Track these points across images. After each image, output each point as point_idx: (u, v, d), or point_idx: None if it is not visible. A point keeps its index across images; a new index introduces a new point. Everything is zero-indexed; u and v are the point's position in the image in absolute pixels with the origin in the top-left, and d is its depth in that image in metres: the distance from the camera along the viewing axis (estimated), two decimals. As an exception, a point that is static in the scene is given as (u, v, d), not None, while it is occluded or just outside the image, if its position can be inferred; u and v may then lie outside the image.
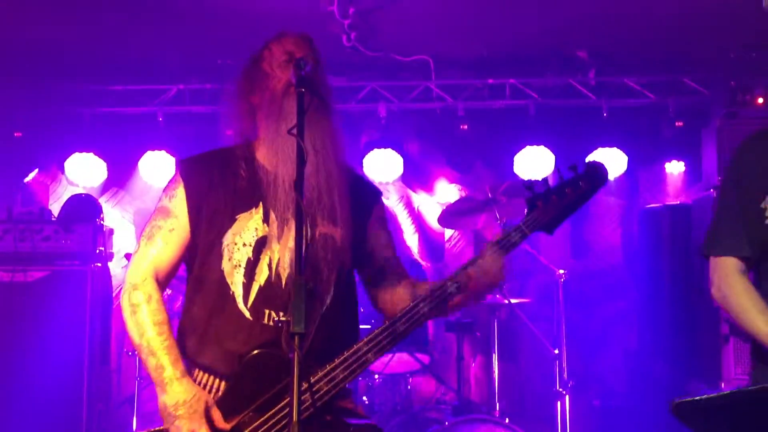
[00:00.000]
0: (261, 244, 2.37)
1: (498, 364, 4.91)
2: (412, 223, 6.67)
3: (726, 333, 4.87)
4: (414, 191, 6.73)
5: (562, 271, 5.16)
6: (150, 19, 5.37)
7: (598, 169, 2.43)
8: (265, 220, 2.39)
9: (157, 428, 2.34)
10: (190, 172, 2.48)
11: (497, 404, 4.82)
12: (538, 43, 5.90)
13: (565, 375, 4.97)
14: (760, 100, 5.39)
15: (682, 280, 5.51)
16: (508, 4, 5.25)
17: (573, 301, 5.45)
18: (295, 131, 2.16)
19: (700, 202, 5.44)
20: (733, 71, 5.63)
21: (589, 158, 5.95)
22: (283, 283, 2.34)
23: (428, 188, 6.72)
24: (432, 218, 6.51)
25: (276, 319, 2.31)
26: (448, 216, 5.58)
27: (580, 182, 2.41)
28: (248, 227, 2.39)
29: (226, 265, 2.37)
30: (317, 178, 2.34)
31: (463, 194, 6.46)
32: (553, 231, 2.41)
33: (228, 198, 2.42)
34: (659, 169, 6.30)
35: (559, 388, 4.95)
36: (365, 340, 2.31)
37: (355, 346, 2.29)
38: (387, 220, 2.67)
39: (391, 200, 6.64)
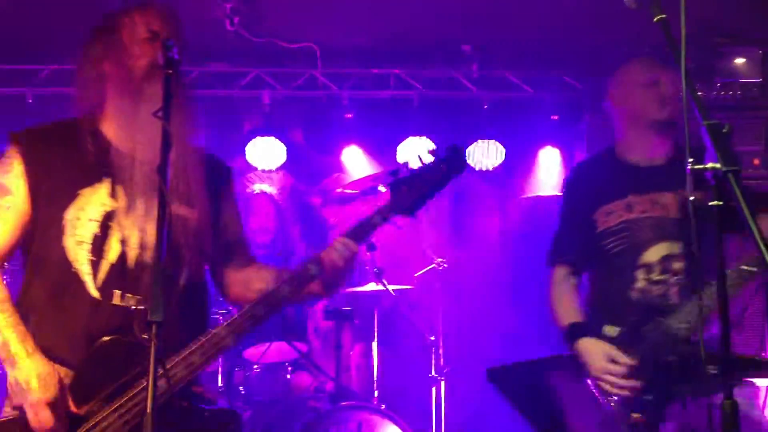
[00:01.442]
0: (108, 219, 2.30)
1: (378, 352, 4.96)
2: (296, 211, 6.63)
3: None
4: (298, 179, 6.69)
5: (440, 260, 5.24)
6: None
7: (458, 154, 2.51)
8: (112, 195, 2.32)
9: (5, 418, 2.22)
10: (26, 145, 2.35)
11: (375, 391, 4.86)
12: (423, 35, 5.96)
13: (442, 361, 5.06)
14: (630, 97, 5.62)
15: (554, 268, 5.70)
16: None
17: (452, 289, 5.55)
18: (160, 114, 2.08)
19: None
20: (606, 68, 5.85)
21: (469, 149, 6.19)
22: (134, 261, 2.28)
23: (312, 176, 6.69)
24: (316, 206, 6.49)
25: (128, 297, 2.24)
26: (332, 204, 5.59)
27: (441, 166, 2.47)
28: (92, 202, 2.30)
29: (68, 242, 2.27)
30: (176, 161, 2.26)
31: (347, 183, 6.46)
32: (415, 214, 2.48)
33: (69, 172, 2.32)
34: (536, 160, 6.49)
35: (435, 374, 5.04)
36: (224, 324, 2.27)
37: (213, 331, 2.25)
38: (237, 198, 2.66)
39: (275, 188, 6.58)
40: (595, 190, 3.09)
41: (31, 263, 2.34)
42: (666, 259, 2.94)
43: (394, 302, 5.31)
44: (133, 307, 2.23)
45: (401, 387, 5.55)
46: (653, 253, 2.95)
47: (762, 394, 4.44)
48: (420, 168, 2.46)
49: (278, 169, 6.36)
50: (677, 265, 2.93)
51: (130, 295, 2.25)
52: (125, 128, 2.35)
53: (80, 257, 2.27)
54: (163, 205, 2.01)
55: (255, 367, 5.02)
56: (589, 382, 2.92)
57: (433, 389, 5.04)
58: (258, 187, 6.37)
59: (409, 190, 2.45)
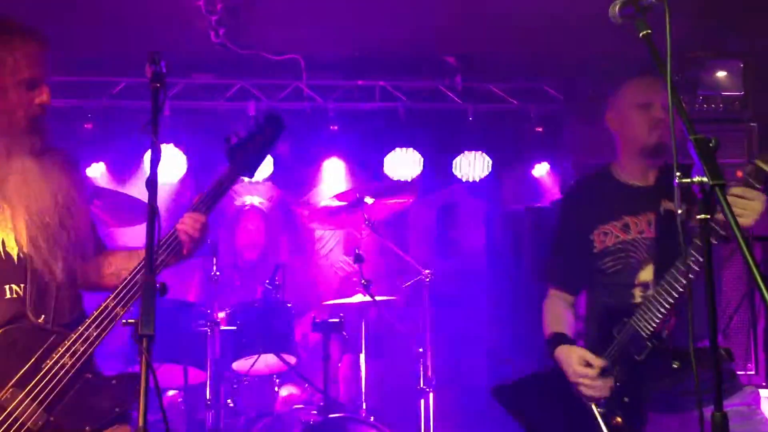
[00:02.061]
0: None
1: (365, 363, 4.96)
2: (282, 222, 6.62)
3: (580, 330, 5.12)
4: (284, 191, 6.69)
5: (427, 271, 5.26)
6: (5, 8, 5.08)
7: (277, 118, 2.80)
8: None
9: None
10: None
11: (364, 403, 4.86)
12: (408, 47, 5.99)
13: (430, 373, 5.07)
14: (613, 108, 5.67)
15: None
16: (379, 7, 5.32)
17: (439, 301, 5.56)
18: (149, 128, 2.17)
19: (557, 205, 5.68)
20: (588, 80, 5.92)
21: (455, 161, 6.22)
22: (16, 257, 2.44)
23: (298, 188, 6.69)
24: (302, 218, 6.49)
25: (16, 289, 2.40)
26: (318, 216, 5.60)
27: (266, 130, 2.75)
28: None
29: None
30: (26, 172, 2.47)
31: (333, 195, 6.47)
32: (254, 173, 2.76)
33: None
34: (522, 172, 6.53)
35: (423, 385, 5.05)
36: (111, 296, 2.44)
37: (103, 304, 2.41)
38: (87, 196, 2.82)
39: (262, 200, 6.57)
40: (591, 211, 3.16)
41: None
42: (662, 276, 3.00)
43: (381, 314, 5.32)
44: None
45: (389, 399, 5.55)
46: (649, 272, 3.00)
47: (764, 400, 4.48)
48: (248, 134, 2.74)
49: (264, 180, 6.37)
50: None
51: (18, 287, 2.42)
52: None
53: None
54: (152, 218, 2.08)
55: (243, 379, 5.01)
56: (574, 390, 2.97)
57: (422, 401, 5.04)
58: (248, 199, 6.36)
59: (245, 153, 2.71)
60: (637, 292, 2.99)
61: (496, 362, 6.11)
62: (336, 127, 6.22)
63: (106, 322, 2.39)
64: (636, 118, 3.11)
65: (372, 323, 5.25)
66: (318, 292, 6.25)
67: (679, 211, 2.40)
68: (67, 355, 2.33)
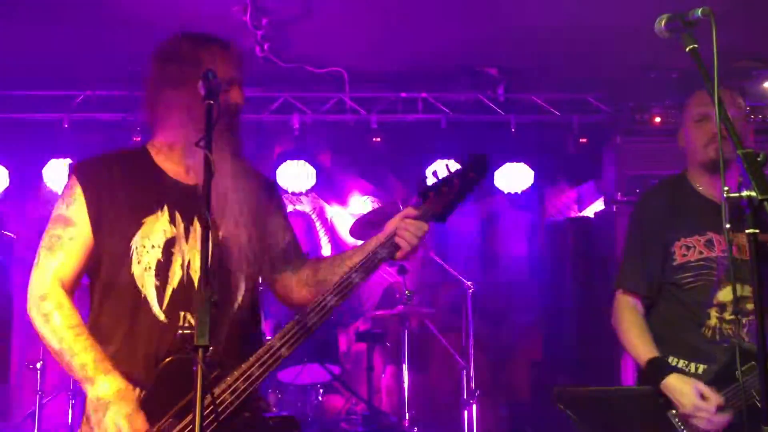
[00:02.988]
0: (170, 246, 2.38)
1: (408, 374, 4.98)
2: (325, 233, 6.69)
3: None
4: (327, 202, 6.75)
5: (470, 283, 5.27)
6: (58, 23, 5.23)
7: (482, 160, 2.53)
8: (172, 222, 2.40)
9: None
10: (87, 176, 2.43)
11: (407, 413, 4.89)
12: (450, 59, 6.02)
13: (473, 384, 5.07)
14: (657, 120, 5.65)
15: (583, 291, 5.70)
16: (422, 20, 5.36)
17: (481, 313, 5.57)
18: (202, 144, 2.11)
19: (600, 216, 5.67)
20: (633, 91, 5.89)
21: (497, 172, 6.22)
22: (195, 284, 2.34)
23: (341, 200, 6.76)
24: (344, 229, 6.55)
25: (186, 325, 2.31)
26: (361, 227, 5.64)
27: (467, 173, 2.49)
28: (155, 230, 2.38)
29: (135, 269, 2.35)
30: (226, 184, 2.35)
31: (375, 206, 6.52)
32: (446, 219, 2.48)
33: (130, 202, 2.40)
34: (564, 183, 6.51)
35: (467, 397, 5.05)
36: (278, 335, 2.34)
37: (268, 344, 2.32)
38: (283, 206, 2.72)
39: (305, 211, 6.65)
40: (673, 221, 3.04)
41: (100, 289, 2.41)
42: (739, 299, 2.90)
43: (424, 325, 5.34)
44: (186, 332, 2.29)
45: (432, 410, 5.57)
46: (727, 293, 2.92)
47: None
48: (447, 176, 2.48)
49: (308, 191, 6.44)
50: (749, 306, 2.89)
51: (194, 317, 2.28)
52: (186, 159, 2.43)
53: (147, 283, 2.35)
54: (206, 234, 2.04)
55: (289, 388, 5.06)
56: (672, 417, 2.86)
57: (465, 412, 5.05)
58: (291, 207, 6.45)
59: (437, 197, 2.47)
60: (713, 313, 2.91)
61: (539, 374, 6.08)
62: (379, 139, 6.26)
63: (270, 362, 2.31)
64: (694, 132, 3.03)
65: (415, 334, 5.28)
66: (361, 302, 6.30)
67: (727, 226, 2.36)
68: (228, 391, 2.25)
